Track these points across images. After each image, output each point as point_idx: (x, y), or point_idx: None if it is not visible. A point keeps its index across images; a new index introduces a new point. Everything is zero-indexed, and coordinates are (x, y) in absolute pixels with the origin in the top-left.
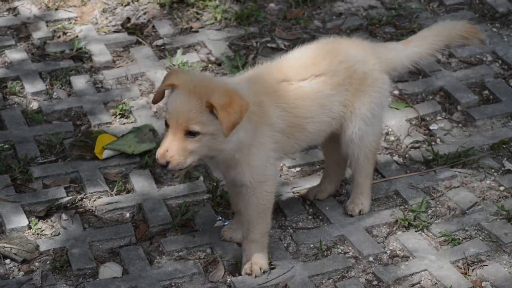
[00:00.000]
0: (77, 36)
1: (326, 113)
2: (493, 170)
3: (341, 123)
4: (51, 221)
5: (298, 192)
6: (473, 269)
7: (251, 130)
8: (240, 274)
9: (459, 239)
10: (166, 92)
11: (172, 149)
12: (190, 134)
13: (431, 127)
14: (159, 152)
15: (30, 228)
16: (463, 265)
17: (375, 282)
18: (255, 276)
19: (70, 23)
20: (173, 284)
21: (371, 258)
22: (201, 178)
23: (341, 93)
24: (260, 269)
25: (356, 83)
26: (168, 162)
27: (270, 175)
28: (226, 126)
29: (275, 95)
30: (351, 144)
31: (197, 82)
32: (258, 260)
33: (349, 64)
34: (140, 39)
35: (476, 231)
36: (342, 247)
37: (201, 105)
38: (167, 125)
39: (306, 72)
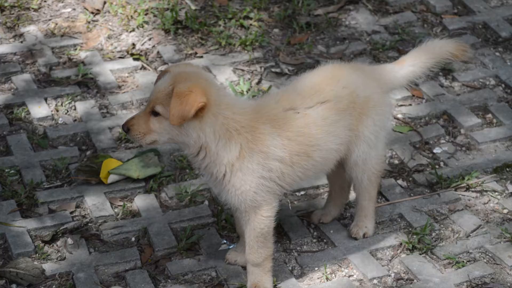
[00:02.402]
0: (82, 62)
1: (333, 140)
2: (496, 193)
3: (348, 148)
4: (57, 245)
5: (302, 216)
6: None
7: (234, 150)
8: None
9: (463, 261)
10: None
11: (136, 119)
12: (154, 113)
13: (434, 151)
14: (126, 120)
15: (36, 252)
16: (467, 287)
17: None
18: None
19: (76, 49)
20: None
21: (375, 281)
22: (206, 202)
23: (346, 118)
24: None
25: (359, 107)
26: (128, 129)
27: (264, 201)
28: (172, 113)
29: (278, 124)
30: (355, 167)
31: (183, 72)
32: (262, 283)
33: (351, 89)
34: (145, 65)
35: (480, 253)
36: (346, 270)
37: (171, 89)
38: None
39: (311, 100)
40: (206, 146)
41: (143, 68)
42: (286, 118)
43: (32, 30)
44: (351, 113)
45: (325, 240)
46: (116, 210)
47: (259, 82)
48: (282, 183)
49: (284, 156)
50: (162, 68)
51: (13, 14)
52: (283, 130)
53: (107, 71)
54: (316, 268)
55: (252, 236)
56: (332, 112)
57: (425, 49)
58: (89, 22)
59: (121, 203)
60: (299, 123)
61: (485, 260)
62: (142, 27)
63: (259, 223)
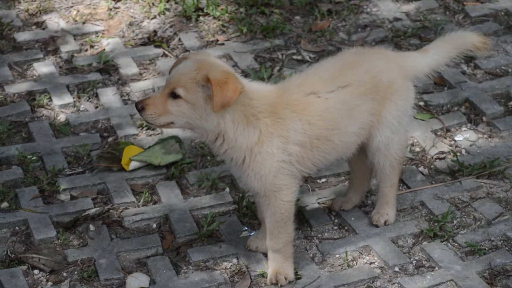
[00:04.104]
0: (104, 49)
1: (353, 123)
2: None
3: (369, 133)
4: (79, 232)
5: (323, 203)
6: (499, 279)
7: (253, 135)
8: (266, 284)
9: (484, 249)
10: None
11: (153, 99)
12: (174, 95)
13: (456, 138)
14: (142, 99)
15: (58, 239)
16: (489, 275)
17: None
18: (281, 286)
19: (97, 36)
20: None
21: (396, 269)
22: (227, 189)
23: (368, 103)
24: (286, 278)
25: (381, 92)
26: (143, 108)
27: (284, 185)
28: (216, 102)
29: (298, 108)
30: (377, 153)
31: (205, 60)
32: (283, 270)
33: (374, 73)
34: (166, 52)
35: (502, 241)
36: (367, 257)
37: (196, 74)
38: None
39: (333, 84)
40: (224, 132)
41: (164, 55)
42: (307, 102)
43: (53, 17)
44: (373, 98)
45: (346, 228)
46: (137, 196)
47: (280, 70)
48: (301, 167)
49: (305, 140)
50: (184, 55)
51: (35, 1)
52: (303, 114)
53: (128, 58)
54: (337, 255)
55: (272, 221)
56: (354, 96)
57: (449, 40)
58: (110, 9)
59: (143, 190)
60: (320, 107)
61: (507, 248)
62: (164, 14)
63: (279, 208)
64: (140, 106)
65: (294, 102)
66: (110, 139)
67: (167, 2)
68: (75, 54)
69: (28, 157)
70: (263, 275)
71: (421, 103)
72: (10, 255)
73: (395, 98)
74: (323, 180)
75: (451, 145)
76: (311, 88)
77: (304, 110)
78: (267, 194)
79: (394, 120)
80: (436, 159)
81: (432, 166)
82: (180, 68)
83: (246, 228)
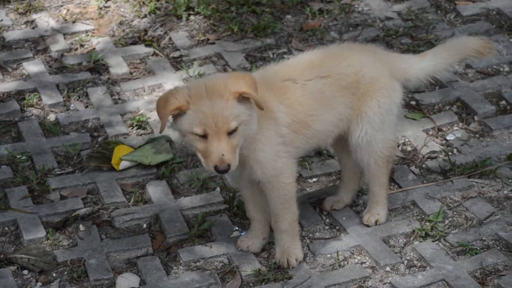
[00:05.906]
0: (94, 48)
1: (330, 112)
2: (510, 180)
3: (348, 126)
4: (69, 232)
5: (314, 203)
6: (491, 279)
7: (255, 122)
8: (256, 284)
9: (476, 249)
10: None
11: (226, 152)
12: (232, 131)
13: (448, 137)
14: (215, 160)
15: (47, 239)
16: (480, 275)
17: None
18: (292, 268)
19: (87, 35)
20: None
21: (388, 268)
22: (218, 188)
23: (347, 96)
24: (296, 260)
25: (363, 87)
26: (229, 165)
27: (282, 168)
28: (257, 101)
29: (279, 92)
30: (358, 149)
31: (202, 86)
32: (291, 250)
33: (357, 68)
34: (157, 51)
35: (493, 241)
36: (359, 257)
37: (227, 100)
38: (203, 136)
39: (311, 73)
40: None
41: (155, 54)
42: (284, 87)
43: (43, 16)
44: (354, 92)
45: (337, 227)
46: (127, 196)
47: None
48: (293, 148)
49: (290, 122)
50: (174, 54)
51: (24, 0)
52: (283, 98)
53: (118, 57)
54: (329, 255)
55: (277, 204)
56: (332, 88)
57: (449, 46)
58: (100, 8)
59: (133, 190)
60: (297, 92)
61: (498, 248)
62: (154, 13)
63: (282, 190)
64: (227, 166)
65: (271, 87)
66: (100, 139)
67: (158, 1)
68: (65, 53)
69: (18, 156)
70: (254, 275)
71: (413, 102)
72: None
73: (378, 95)
74: (314, 179)
75: (442, 145)
76: (288, 75)
77: (284, 94)
78: (270, 180)
79: (375, 117)
80: (427, 158)
81: (423, 166)
82: (212, 109)
83: (237, 228)
